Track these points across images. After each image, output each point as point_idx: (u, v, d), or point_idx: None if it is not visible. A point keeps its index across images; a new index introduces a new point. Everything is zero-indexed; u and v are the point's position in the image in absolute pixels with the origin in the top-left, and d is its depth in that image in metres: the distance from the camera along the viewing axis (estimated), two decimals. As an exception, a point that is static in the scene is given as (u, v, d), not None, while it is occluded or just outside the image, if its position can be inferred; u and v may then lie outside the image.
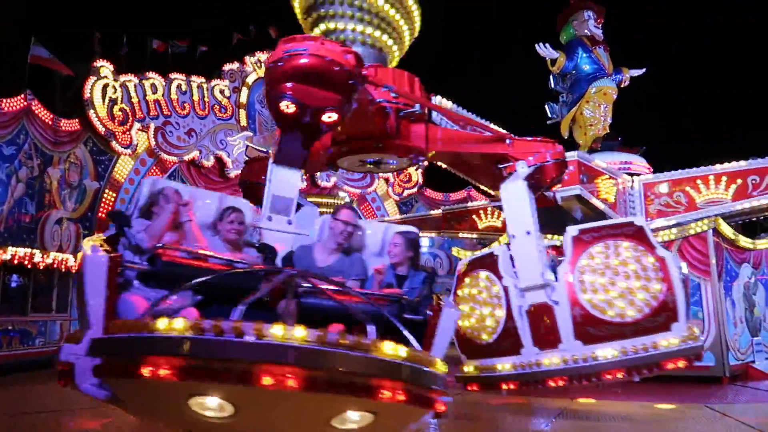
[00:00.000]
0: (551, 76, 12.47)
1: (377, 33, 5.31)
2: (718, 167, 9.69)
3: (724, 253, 8.90)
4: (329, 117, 3.56)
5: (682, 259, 8.63)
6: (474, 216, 12.53)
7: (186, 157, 15.40)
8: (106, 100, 14.15)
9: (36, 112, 12.31)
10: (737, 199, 9.34)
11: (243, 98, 16.93)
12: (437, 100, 8.04)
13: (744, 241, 9.15)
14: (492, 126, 6.22)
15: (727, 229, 8.77)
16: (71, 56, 14.94)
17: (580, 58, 12.03)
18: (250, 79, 17.14)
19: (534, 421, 6.04)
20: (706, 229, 8.58)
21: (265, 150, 16.64)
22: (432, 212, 12.72)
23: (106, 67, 14.31)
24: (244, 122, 16.86)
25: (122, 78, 14.64)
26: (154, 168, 15.23)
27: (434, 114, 7.21)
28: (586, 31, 12.24)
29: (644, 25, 22.18)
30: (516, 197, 5.06)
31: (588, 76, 11.98)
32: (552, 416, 6.10)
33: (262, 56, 17.49)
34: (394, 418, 2.89)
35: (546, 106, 12.82)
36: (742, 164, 9.49)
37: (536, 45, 11.95)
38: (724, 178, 9.51)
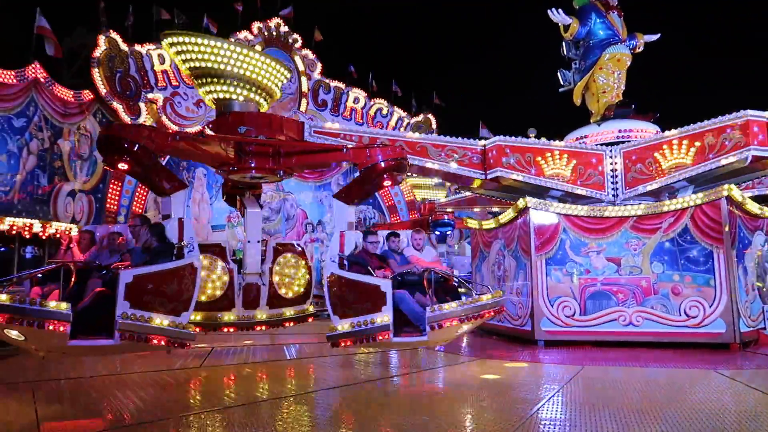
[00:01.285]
0: (564, 43, 12.25)
1: (252, 95, 8.09)
2: (674, 132, 9.73)
3: (738, 221, 8.84)
4: None
5: (694, 226, 8.61)
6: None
7: (195, 128, 15.32)
8: (114, 71, 14.08)
9: (44, 83, 12.28)
10: (697, 163, 9.36)
11: (251, 68, 16.78)
12: (308, 126, 9.93)
13: (750, 206, 9.11)
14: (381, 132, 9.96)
15: (737, 195, 8.71)
16: (77, 26, 14.84)
17: (593, 23, 11.79)
18: (257, 49, 16.96)
19: (545, 386, 6.11)
20: (719, 197, 8.51)
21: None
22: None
23: (113, 38, 14.20)
24: (252, 92, 16.76)
25: (129, 48, 14.54)
26: (164, 139, 15.23)
27: (306, 132, 9.58)
28: (600, -5, 11.98)
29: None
30: (253, 216, 8.49)
31: (601, 42, 11.75)
32: (563, 382, 6.17)
33: (269, 25, 17.30)
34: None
35: (558, 74, 12.64)
36: (696, 126, 9.49)
37: (549, 11, 11.71)
38: (684, 142, 9.47)
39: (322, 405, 5.49)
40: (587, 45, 11.95)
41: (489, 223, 10.88)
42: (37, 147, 12.26)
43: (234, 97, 7.94)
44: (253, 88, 7.97)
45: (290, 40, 17.76)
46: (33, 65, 12.04)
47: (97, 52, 13.83)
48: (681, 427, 4.24)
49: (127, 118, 14.24)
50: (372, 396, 5.81)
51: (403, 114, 19.56)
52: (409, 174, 11.97)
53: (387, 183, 7.71)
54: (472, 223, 11.65)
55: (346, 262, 7.20)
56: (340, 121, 18.52)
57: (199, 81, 8.03)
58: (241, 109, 7.92)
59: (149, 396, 5.79)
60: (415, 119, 19.70)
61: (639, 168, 9.97)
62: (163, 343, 6.26)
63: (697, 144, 9.32)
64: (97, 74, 13.74)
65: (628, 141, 10.70)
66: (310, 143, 8.64)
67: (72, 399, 5.75)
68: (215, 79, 7.83)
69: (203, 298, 7.61)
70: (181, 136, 8.37)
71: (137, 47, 14.73)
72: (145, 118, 14.63)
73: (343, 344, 6.83)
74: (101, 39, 13.96)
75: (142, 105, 14.58)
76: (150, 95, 14.80)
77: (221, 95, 7.97)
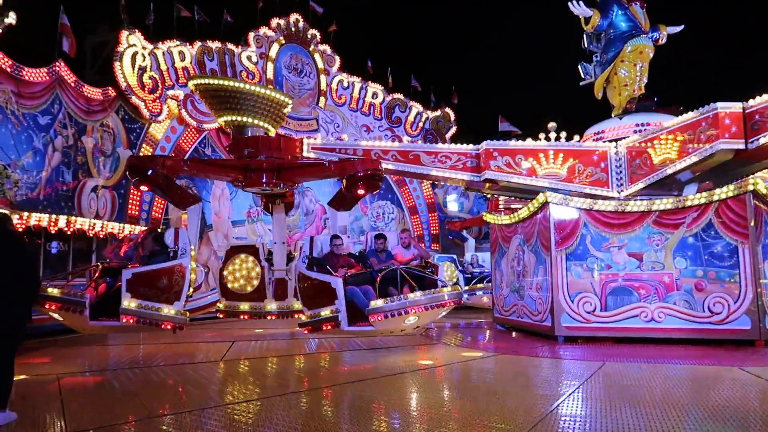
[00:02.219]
0: (585, 35, 12.09)
1: (260, 122, 9.57)
2: (661, 127, 9.58)
3: (763, 216, 8.65)
4: None
5: (719, 221, 8.46)
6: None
7: (215, 125, 15.47)
8: (136, 68, 14.27)
9: (68, 80, 12.49)
10: (681, 157, 9.27)
11: (270, 64, 16.87)
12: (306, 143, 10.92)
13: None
14: (375, 144, 11.24)
15: (762, 188, 8.55)
16: (99, 24, 15.05)
17: (615, 15, 11.61)
18: (276, 45, 17.04)
19: (565, 382, 6.07)
20: (745, 191, 8.34)
21: (293, 116, 16.66)
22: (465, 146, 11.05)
23: (134, 36, 14.38)
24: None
25: (150, 46, 14.71)
26: (186, 134, 15.39)
27: (305, 149, 10.63)
28: (621, -14, 11.79)
29: (683, -20, 21.19)
30: (278, 220, 10.15)
31: (623, 34, 11.57)
32: (583, 378, 6.12)
33: (289, 20, 17.37)
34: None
35: (579, 67, 12.48)
36: (678, 120, 9.40)
37: (569, 2, 11.57)
38: (669, 137, 9.37)
39: (352, 395, 5.53)
40: (608, 37, 11.78)
41: (508, 219, 10.82)
42: (62, 144, 12.49)
43: (246, 124, 9.47)
44: (261, 117, 9.49)
45: (308, 36, 17.80)
46: (57, 63, 12.25)
47: (119, 50, 14.03)
48: (704, 425, 4.18)
49: (149, 115, 14.44)
50: (395, 387, 5.83)
51: (422, 109, 19.53)
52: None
53: (361, 191, 9.07)
54: (491, 218, 11.59)
55: (307, 261, 8.66)
56: (358, 116, 18.56)
57: (218, 113, 9.59)
58: (252, 134, 9.46)
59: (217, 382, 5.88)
60: (433, 114, 19.64)
61: (638, 163, 9.90)
62: (160, 325, 8.23)
63: (680, 138, 9.20)
64: (119, 72, 13.94)
65: (627, 137, 10.69)
66: (299, 161, 9.75)
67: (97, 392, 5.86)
68: (231, 111, 9.36)
69: (248, 289, 10.09)
70: (191, 161, 10.36)
71: (158, 44, 14.90)
72: (166, 115, 14.81)
73: (305, 331, 8.80)
74: (123, 36, 14.15)
75: (163, 102, 14.76)
76: (171, 92, 14.96)
77: (235, 124, 9.53)
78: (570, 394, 5.32)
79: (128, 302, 7.94)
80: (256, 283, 10.04)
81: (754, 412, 4.53)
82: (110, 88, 13.81)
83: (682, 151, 9.20)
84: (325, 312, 8.26)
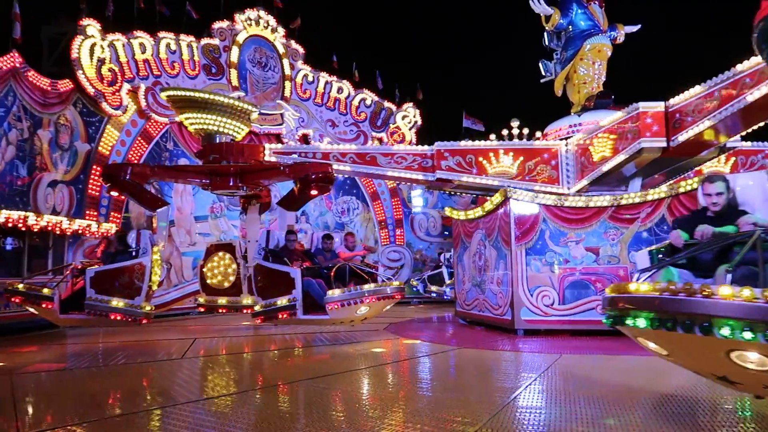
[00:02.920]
0: (545, 33, 12.31)
1: (227, 130, 10.38)
2: (600, 125, 9.87)
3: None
4: None
5: (671, 216, 8.75)
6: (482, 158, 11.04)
7: (177, 118, 15.20)
8: (94, 60, 13.92)
9: (23, 72, 12.12)
10: (614, 155, 9.54)
11: (234, 57, 16.67)
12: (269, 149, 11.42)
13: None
14: (333, 148, 11.78)
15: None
16: (57, 15, 14.62)
17: (574, 14, 11.86)
18: (240, 38, 16.84)
19: (523, 374, 6.22)
20: (696, 187, 8.64)
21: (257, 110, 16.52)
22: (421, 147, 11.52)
23: (93, 26, 14.02)
24: (235, 82, 16.67)
25: (110, 37, 14.37)
26: (146, 128, 15.09)
27: (267, 153, 11.12)
28: (581, -14, 12.04)
29: (641, -20, 21.70)
30: (252, 220, 10.93)
31: (583, 32, 11.83)
32: (540, 371, 6.29)
33: (252, 14, 17.16)
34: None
35: (540, 64, 12.71)
36: (612, 119, 9.67)
37: (530, 1, 11.76)
38: (605, 135, 9.73)
39: (336, 388, 5.56)
40: (568, 36, 12.03)
41: (470, 214, 10.98)
42: (16, 137, 12.12)
43: (214, 131, 10.27)
44: (228, 126, 10.30)
45: (273, 29, 17.63)
46: (11, 54, 11.87)
47: (77, 41, 13.66)
48: (656, 413, 4.36)
49: (108, 108, 14.10)
50: (355, 382, 5.88)
51: (388, 105, 19.56)
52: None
53: (314, 192, 9.83)
54: (453, 214, 11.74)
55: (269, 255, 9.15)
56: (323, 111, 18.50)
57: (189, 122, 10.38)
58: (219, 140, 10.29)
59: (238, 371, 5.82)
60: (398, 110, 19.71)
61: (583, 161, 10.20)
62: (119, 318, 9.15)
63: (612, 137, 9.51)
64: (76, 63, 13.58)
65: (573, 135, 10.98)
66: (258, 165, 10.32)
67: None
68: (200, 120, 10.17)
69: (225, 284, 10.76)
70: (159, 168, 11.14)
71: (118, 36, 14.56)
72: (126, 108, 14.49)
73: (258, 321, 9.18)
74: (81, 28, 13.79)
75: (123, 95, 14.44)
76: (131, 84, 14.65)
77: (204, 132, 10.35)
78: (527, 386, 5.47)
79: (92, 297, 9.01)
80: (232, 279, 10.70)
81: (702, 400, 4.74)
82: (68, 80, 13.45)
83: (614, 149, 9.49)
84: (282, 301, 8.79)
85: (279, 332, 10.52)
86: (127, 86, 14.52)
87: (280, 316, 8.90)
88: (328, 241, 10.24)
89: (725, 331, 2.73)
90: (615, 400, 4.73)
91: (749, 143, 12.23)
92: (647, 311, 3.06)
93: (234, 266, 10.80)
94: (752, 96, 7.11)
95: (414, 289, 18.05)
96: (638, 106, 8.89)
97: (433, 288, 17.63)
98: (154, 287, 9.80)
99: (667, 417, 4.25)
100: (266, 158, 11.08)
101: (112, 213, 14.11)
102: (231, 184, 10.13)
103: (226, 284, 10.88)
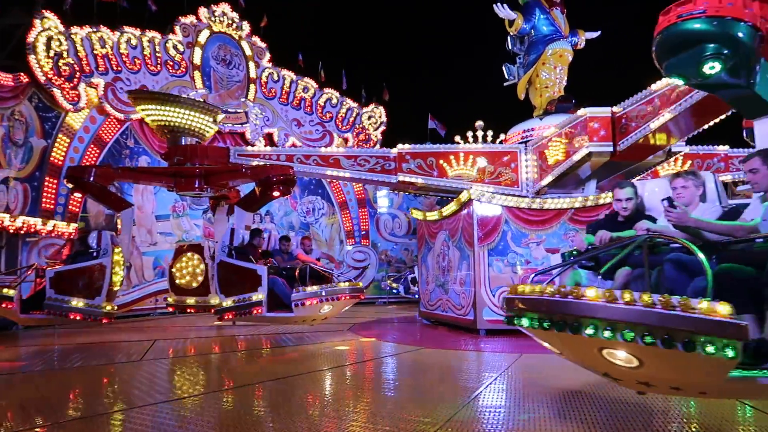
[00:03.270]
0: (509, 38, 12.52)
1: (193, 131, 10.64)
2: (553, 130, 10.15)
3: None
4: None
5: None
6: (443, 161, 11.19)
7: (138, 115, 14.89)
8: (51, 53, 13.51)
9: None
10: (566, 158, 9.82)
11: (197, 54, 16.41)
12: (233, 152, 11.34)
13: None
14: (297, 150, 12.07)
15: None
16: (10, 6, 14.14)
17: (537, 19, 12.09)
18: (204, 35, 16.59)
19: (485, 373, 6.32)
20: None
21: (222, 109, 16.31)
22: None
23: (50, 19, 13.61)
24: (198, 79, 16.40)
25: (68, 30, 13.97)
26: (105, 125, 14.72)
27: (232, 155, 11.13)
28: (544, -8, 12.28)
29: (602, -13, 22.28)
30: (220, 221, 11.01)
31: (545, 37, 12.08)
32: (501, 370, 6.39)
33: (217, 10, 16.93)
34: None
35: (503, 68, 12.91)
36: (563, 123, 9.95)
37: (494, 5, 11.94)
38: (558, 140, 9.98)
39: (301, 388, 5.53)
40: (531, 40, 12.26)
41: (434, 215, 11.08)
42: (-33, 132, 11.68)
43: (179, 134, 10.47)
44: (193, 128, 10.51)
45: (238, 27, 17.43)
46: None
47: (33, 34, 13.25)
48: (614, 408, 4.49)
49: (66, 104, 13.72)
50: (317, 383, 5.88)
51: (354, 105, 19.55)
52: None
53: (276, 193, 10.06)
54: (418, 214, 11.82)
55: (233, 252, 9.29)
56: (288, 110, 18.38)
57: (155, 125, 10.65)
58: (185, 143, 10.47)
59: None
60: (364, 110, 19.72)
61: (540, 164, 10.43)
62: (79, 317, 9.22)
63: (564, 141, 9.77)
64: (32, 57, 13.17)
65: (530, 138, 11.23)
66: (222, 166, 10.47)
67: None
68: (166, 124, 10.39)
69: (194, 284, 10.79)
70: (123, 170, 11.34)
71: (76, 29, 14.17)
72: (84, 104, 14.12)
73: (227, 317, 9.21)
74: (37, 20, 13.37)
75: (81, 90, 14.06)
76: (90, 80, 14.28)
77: (171, 134, 10.56)
78: (488, 386, 5.56)
79: (51, 297, 9.11)
80: (201, 279, 10.81)
81: (658, 398, 4.90)
82: (22, 74, 13.02)
83: (566, 152, 9.72)
84: (250, 297, 8.93)
85: (241, 333, 10.41)
86: (85, 81, 14.13)
87: (247, 313, 9.02)
88: (286, 243, 10.51)
89: (589, 331, 2.92)
90: (574, 397, 4.85)
91: (703, 147, 12.67)
92: (530, 312, 3.19)
93: (202, 266, 10.88)
94: (687, 102, 7.33)
95: (395, 291, 17.94)
96: (585, 111, 9.11)
97: (416, 288, 17.67)
98: (116, 287, 9.82)
99: (620, 415, 4.38)
100: (231, 160, 11.01)
101: (68, 211, 13.72)
102: (196, 185, 10.32)
103: (195, 284, 10.96)
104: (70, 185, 9.95)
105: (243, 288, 9.07)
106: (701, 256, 3.05)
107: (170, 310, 11.88)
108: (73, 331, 10.79)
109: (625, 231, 4.38)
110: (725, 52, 3.61)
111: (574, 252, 4.52)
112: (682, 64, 3.80)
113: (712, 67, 3.69)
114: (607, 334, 2.86)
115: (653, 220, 4.36)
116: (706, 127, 8.25)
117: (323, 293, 9.04)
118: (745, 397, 4.27)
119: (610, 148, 8.95)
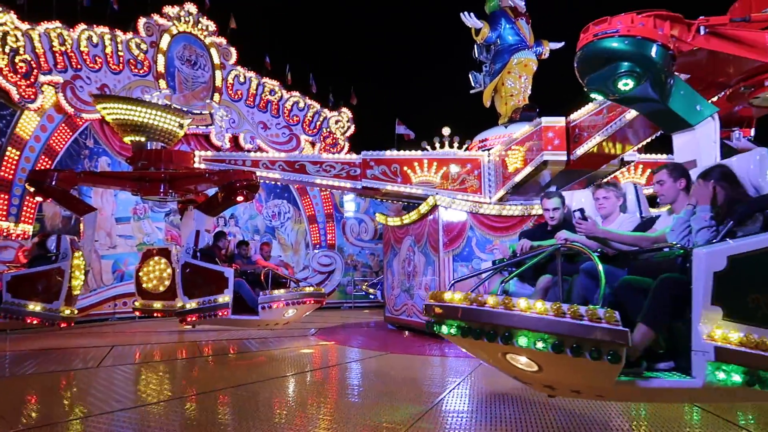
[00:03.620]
0: (475, 46, 12.67)
1: (158, 137, 10.38)
2: (514, 138, 10.39)
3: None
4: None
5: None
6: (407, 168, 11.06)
7: (97, 115, 14.51)
8: (7, 50, 13.07)
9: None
10: (524, 166, 9.92)
11: (161, 54, 16.12)
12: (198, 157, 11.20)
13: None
14: (263, 156, 11.45)
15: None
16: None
17: (503, 28, 12.27)
18: (168, 34, 16.30)
19: (449, 378, 6.36)
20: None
21: (186, 110, 16.04)
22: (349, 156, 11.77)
23: (5, 13, 13.16)
24: (162, 80, 16.10)
25: (25, 26, 13.54)
26: (63, 125, 14.30)
27: (197, 160, 10.98)
28: (509, 2, 12.47)
29: (566, -1, 22.78)
30: (187, 225, 10.24)
31: (510, 47, 12.26)
32: (464, 374, 6.45)
33: (182, 10, 16.66)
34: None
35: (470, 75, 13.06)
36: (521, 133, 10.08)
37: (461, 14, 12.08)
38: (518, 148, 10.10)
39: (264, 395, 5.44)
40: (497, 49, 12.44)
41: (400, 220, 11.12)
42: None
43: (144, 139, 10.34)
44: (158, 133, 10.36)
45: (204, 27, 17.19)
46: None
47: (-13, 29, 12.79)
48: (577, 412, 4.58)
49: (22, 102, 13.28)
50: (282, 389, 5.82)
51: (320, 108, 19.49)
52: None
53: (240, 198, 9.86)
54: (383, 219, 11.85)
55: (198, 254, 9.27)
56: (255, 112, 18.21)
57: (120, 129, 10.46)
58: (151, 147, 10.36)
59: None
60: (331, 114, 19.67)
61: (501, 171, 10.61)
62: (36, 321, 8.85)
63: (523, 149, 9.98)
64: (-14, 53, 12.71)
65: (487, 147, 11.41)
66: (184, 172, 10.35)
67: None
68: (133, 131, 10.25)
69: (161, 288, 10.41)
70: (85, 174, 11.01)
71: (34, 26, 13.75)
72: (41, 102, 13.70)
73: (189, 319, 8.94)
74: (-8, 14, 12.92)
75: (38, 88, 13.63)
76: (48, 77, 13.87)
77: (136, 139, 10.37)
78: (451, 390, 5.60)
79: (8, 301, 8.87)
80: (167, 283, 10.62)
81: (616, 403, 5.01)
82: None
83: (524, 160, 9.89)
84: (216, 299, 8.85)
85: (203, 338, 10.24)
86: (43, 79, 13.72)
87: (211, 315, 8.93)
88: (245, 248, 10.58)
89: (488, 337, 3.07)
90: (532, 403, 4.92)
91: (660, 155, 13.01)
92: (445, 318, 3.32)
93: (169, 271, 10.72)
94: (630, 114, 7.54)
95: (372, 297, 17.69)
96: (540, 121, 9.30)
97: None
98: (76, 291, 9.57)
99: (578, 418, 4.47)
100: (196, 165, 10.86)
101: (23, 213, 13.27)
102: (161, 190, 10.24)
103: (162, 288, 10.73)
104: (31, 189, 9.67)
105: (208, 290, 9.00)
106: (600, 267, 3.23)
107: (137, 314, 11.60)
108: (27, 336, 10.43)
109: (546, 240, 4.53)
110: (637, 69, 3.79)
111: (503, 260, 4.65)
112: (600, 80, 3.97)
113: (626, 84, 3.87)
114: (503, 339, 3.01)
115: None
116: (658, 135, 8.46)
117: (289, 297, 9.10)
118: (639, 400, 4.44)
119: (565, 157, 9.15)
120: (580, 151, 8.87)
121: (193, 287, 9.15)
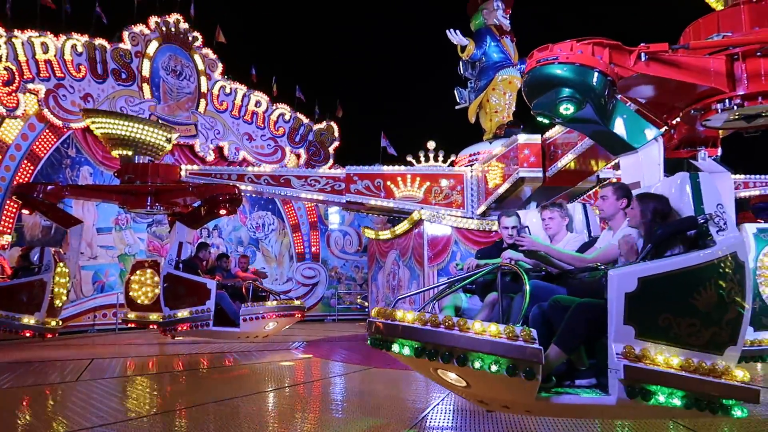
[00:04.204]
0: (461, 62, 12.81)
1: (145, 151, 10.67)
2: (493, 155, 10.55)
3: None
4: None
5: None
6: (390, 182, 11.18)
7: (81, 124, 14.38)
8: (-12, 58, 12.93)
9: None
10: (503, 182, 10.09)
11: (146, 64, 16.05)
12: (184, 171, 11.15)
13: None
14: (247, 170, 11.58)
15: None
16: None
17: (488, 46, 12.43)
18: (154, 44, 16.25)
19: (433, 393, 6.36)
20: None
21: (170, 119, 15.95)
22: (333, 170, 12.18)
23: (-12, 21, 13.03)
24: (147, 89, 16.01)
25: (7, 34, 13.41)
26: (45, 133, 14.13)
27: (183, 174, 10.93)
28: (494, 20, 12.65)
29: (548, 17, 23.18)
30: (175, 238, 10.21)
31: (495, 64, 12.42)
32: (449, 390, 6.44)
33: (168, 20, 16.63)
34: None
35: (455, 91, 13.18)
36: (498, 151, 10.21)
37: (447, 31, 12.22)
38: (498, 165, 10.21)
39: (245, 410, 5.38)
40: (482, 66, 12.58)
41: (385, 234, 11.15)
42: None
43: (132, 153, 10.51)
44: (146, 147, 10.58)
45: (190, 38, 17.16)
46: None
47: (-31, 36, 12.65)
48: (566, 424, 4.59)
49: (2, 110, 13.12)
50: (265, 404, 5.77)
51: (306, 120, 19.50)
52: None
53: (223, 212, 10.15)
54: (369, 233, 11.87)
55: (181, 265, 9.31)
56: (240, 124, 18.17)
57: (108, 143, 10.65)
58: (138, 161, 10.56)
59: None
60: (317, 126, 19.69)
61: (482, 187, 10.70)
62: (28, 334, 9.23)
63: (501, 165, 10.10)
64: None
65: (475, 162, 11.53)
66: (168, 185, 10.50)
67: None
68: (120, 142, 10.43)
69: (146, 301, 10.27)
70: (71, 187, 11.41)
71: (17, 33, 13.63)
72: (23, 111, 13.54)
73: (180, 328, 9.10)
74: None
75: (21, 96, 13.48)
76: (30, 86, 13.72)
77: (124, 153, 10.55)
78: (435, 406, 5.60)
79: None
80: (152, 295, 10.63)
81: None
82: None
83: (503, 176, 10.00)
84: (197, 311, 8.94)
85: (183, 350, 10.11)
86: (26, 87, 13.57)
87: (193, 327, 9.06)
88: (225, 260, 10.71)
89: (406, 351, 3.21)
90: (517, 417, 4.94)
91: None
92: (380, 334, 3.39)
93: (157, 280, 10.75)
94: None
95: (367, 309, 17.37)
96: (516, 138, 9.42)
97: None
98: (59, 302, 9.70)
99: (581, 427, 4.50)
100: (183, 178, 10.83)
101: (1, 222, 13.06)
102: (147, 203, 10.50)
103: (147, 301, 10.73)
104: (19, 201, 9.93)
105: (191, 301, 9.09)
106: (527, 286, 3.45)
107: (130, 326, 11.51)
108: (4, 347, 10.23)
109: (493, 259, 4.64)
110: (577, 95, 3.92)
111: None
112: (543, 105, 4.10)
113: (567, 109, 3.98)
114: (427, 355, 3.14)
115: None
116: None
117: (270, 310, 9.19)
118: (562, 415, 4.52)
119: (540, 174, 9.27)
120: (555, 168, 8.99)
121: (174, 298, 9.23)
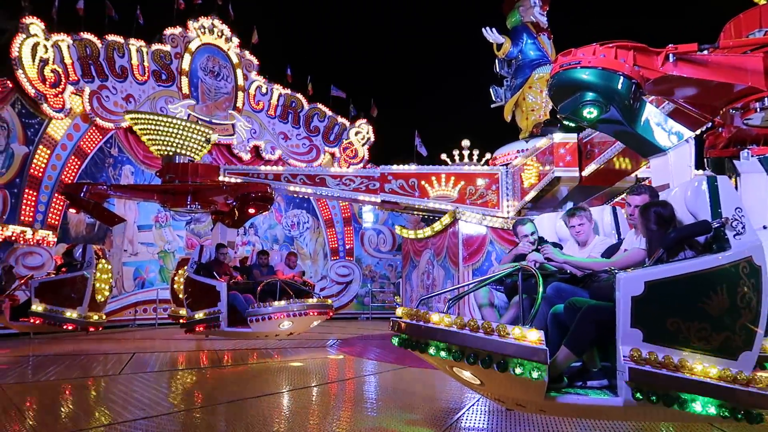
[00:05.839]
0: (497, 61, 12.69)
1: (185, 151, 10.93)
2: (526, 154, 10.28)
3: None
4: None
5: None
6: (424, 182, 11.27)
7: (123, 124, 14.78)
8: (37, 60, 13.37)
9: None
10: (539, 181, 9.93)
11: (185, 65, 16.38)
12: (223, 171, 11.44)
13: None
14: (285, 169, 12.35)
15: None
16: (-3, 11, 14.01)
17: (524, 44, 12.29)
18: (192, 45, 16.57)
19: (468, 394, 6.32)
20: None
21: (207, 119, 16.26)
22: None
23: (36, 25, 13.49)
24: (186, 90, 16.34)
25: (54, 37, 13.86)
26: (91, 131, 14.57)
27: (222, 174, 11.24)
28: (531, 17, 12.49)
29: (587, 12, 22.74)
30: (217, 238, 10.67)
31: (532, 62, 12.27)
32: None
33: (206, 22, 16.93)
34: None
35: (491, 90, 13.07)
36: (533, 150, 10.05)
37: (483, 29, 12.12)
38: (533, 164, 10.06)
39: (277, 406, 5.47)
40: (518, 64, 12.45)
41: (420, 233, 11.13)
42: (-52, 137, 11.49)
43: (173, 152, 10.80)
44: (186, 147, 10.83)
45: (227, 39, 17.45)
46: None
47: (18, 40, 13.12)
48: (598, 427, 4.52)
49: (50, 111, 13.57)
50: (300, 401, 5.84)
51: (341, 120, 19.61)
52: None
53: (252, 210, 10.29)
54: (404, 232, 11.86)
55: (195, 267, 9.43)
56: (276, 123, 18.39)
57: (150, 143, 10.92)
58: (179, 161, 10.78)
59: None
60: (352, 125, 19.78)
61: (518, 187, 10.56)
62: (71, 327, 9.78)
63: (536, 165, 9.92)
64: (17, 63, 13.02)
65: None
66: (205, 184, 10.74)
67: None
68: (161, 143, 10.72)
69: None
70: (115, 187, 11.71)
71: (63, 36, 14.07)
72: (69, 111, 13.98)
73: (198, 329, 9.15)
74: (23, 26, 13.25)
75: (66, 97, 13.93)
76: (75, 87, 14.16)
77: (165, 152, 10.84)
78: (470, 407, 5.57)
79: (36, 306, 9.47)
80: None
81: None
82: (7, 79, 12.87)
83: (539, 176, 9.85)
84: (206, 313, 8.97)
85: (219, 346, 10.29)
86: (71, 88, 14.01)
87: (197, 329, 9.14)
88: (264, 257, 10.59)
89: (432, 350, 3.29)
90: (553, 419, 4.87)
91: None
92: (405, 334, 3.47)
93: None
94: None
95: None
96: (553, 137, 9.27)
97: None
98: (101, 297, 10.12)
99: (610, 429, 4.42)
100: (221, 178, 11.05)
101: (48, 221, 13.52)
102: (188, 202, 10.71)
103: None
104: (66, 201, 10.31)
105: (206, 303, 9.15)
106: (540, 288, 3.43)
107: (181, 321, 11.36)
108: (51, 340, 10.60)
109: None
110: (600, 99, 3.89)
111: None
112: (568, 108, 4.07)
113: (590, 112, 3.96)
114: (443, 354, 3.24)
115: (561, 248, 4.56)
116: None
117: (281, 309, 8.85)
118: (575, 415, 4.44)
119: (577, 174, 9.12)
120: (591, 168, 8.83)
121: (193, 301, 9.33)
